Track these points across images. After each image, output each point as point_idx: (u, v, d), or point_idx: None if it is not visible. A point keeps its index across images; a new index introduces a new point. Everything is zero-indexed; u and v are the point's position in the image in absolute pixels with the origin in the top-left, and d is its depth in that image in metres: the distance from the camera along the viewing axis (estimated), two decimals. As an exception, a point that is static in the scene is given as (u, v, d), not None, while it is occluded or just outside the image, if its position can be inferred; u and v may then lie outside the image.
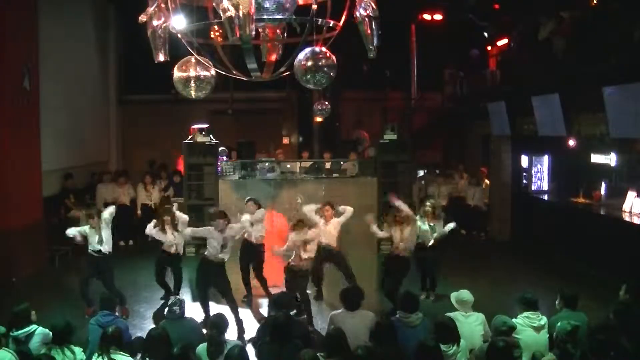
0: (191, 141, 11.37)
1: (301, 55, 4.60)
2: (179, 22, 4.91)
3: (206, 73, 5.11)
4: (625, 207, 9.77)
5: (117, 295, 7.55)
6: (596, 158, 11.00)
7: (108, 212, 7.83)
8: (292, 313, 6.26)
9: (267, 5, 4.55)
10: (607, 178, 10.89)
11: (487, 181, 13.29)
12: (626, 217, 9.55)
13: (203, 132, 11.39)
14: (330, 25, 4.95)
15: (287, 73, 5.02)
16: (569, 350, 4.52)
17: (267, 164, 11.74)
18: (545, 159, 12.39)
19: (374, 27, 4.78)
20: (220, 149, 11.89)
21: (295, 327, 5.10)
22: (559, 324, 4.83)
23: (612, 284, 6.33)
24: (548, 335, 5.12)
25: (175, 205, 8.53)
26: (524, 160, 12.50)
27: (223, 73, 5.29)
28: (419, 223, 8.08)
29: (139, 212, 12.16)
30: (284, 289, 7.39)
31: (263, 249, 8.53)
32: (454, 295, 5.52)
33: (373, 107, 16.06)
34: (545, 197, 12.25)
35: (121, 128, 15.70)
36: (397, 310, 5.51)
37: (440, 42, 14.80)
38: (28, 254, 9.51)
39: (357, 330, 5.11)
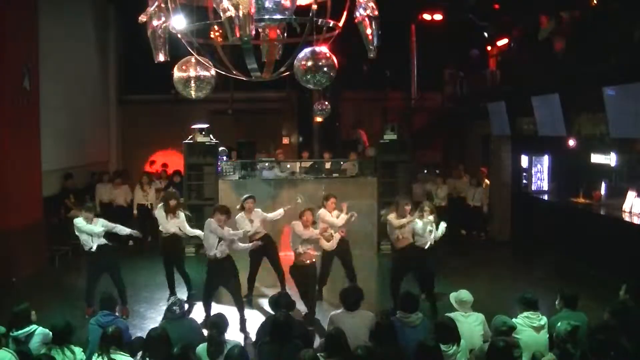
0: (191, 141, 11.38)
1: (301, 56, 4.60)
2: (179, 22, 4.91)
3: (206, 73, 5.11)
4: (625, 207, 9.76)
5: (122, 292, 7.57)
6: (596, 158, 11.00)
7: (104, 225, 7.77)
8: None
9: (267, 5, 4.55)
10: (607, 178, 10.89)
11: (487, 181, 13.28)
12: (626, 217, 9.55)
13: (203, 132, 11.39)
14: (330, 25, 4.95)
15: (287, 73, 5.02)
16: (569, 350, 4.53)
17: (267, 164, 11.75)
18: (545, 159, 12.39)
19: (374, 27, 4.79)
20: (220, 149, 11.89)
21: (295, 327, 5.10)
22: (559, 324, 4.83)
23: (612, 284, 6.34)
24: (548, 335, 5.12)
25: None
26: (524, 160, 12.50)
27: (223, 73, 5.29)
28: (417, 225, 8.02)
29: (135, 212, 12.16)
30: (283, 290, 7.41)
31: (272, 240, 8.50)
32: (453, 296, 5.51)
33: (373, 107, 16.06)
34: (545, 197, 12.25)
35: (121, 128, 15.69)
36: (397, 310, 5.51)
37: (440, 42, 14.79)
38: (28, 254, 9.51)
39: (357, 330, 5.11)
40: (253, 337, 5.58)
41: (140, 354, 4.75)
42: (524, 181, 12.51)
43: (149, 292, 8.83)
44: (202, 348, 4.81)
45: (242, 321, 7.13)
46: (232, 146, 13.54)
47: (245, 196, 8.53)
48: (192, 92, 5.16)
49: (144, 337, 5.00)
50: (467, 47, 14.50)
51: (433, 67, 15.54)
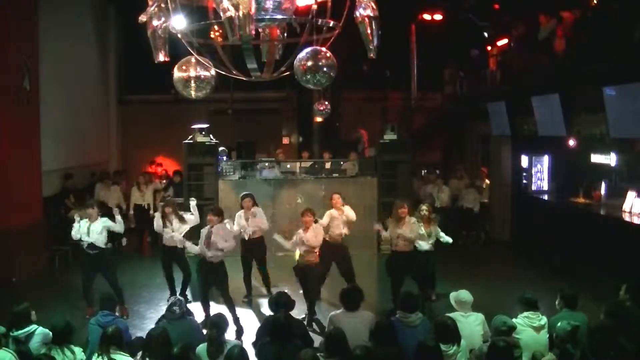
0: (191, 141, 11.38)
1: (301, 55, 4.60)
2: (179, 22, 4.91)
3: (206, 73, 5.11)
4: (625, 207, 9.76)
5: (118, 293, 7.57)
6: (596, 158, 10.99)
7: (107, 223, 7.79)
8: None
9: (267, 5, 4.54)
10: (607, 178, 10.88)
11: (487, 181, 13.27)
12: (626, 217, 9.55)
13: (203, 132, 11.39)
14: (331, 25, 4.95)
15: (287, 73, 5.02)
16: (569, 350, 4.53)
17: (267, 164, 11.75)
18: (545, 159, 12.39)
19: (374, 27, 4.78)
20: (220, 149, 11.89)
21: (295, 327, 5.10)
22: (559, 324, 4.83)
23: (612, 284, 6.33)
24: (548, 335, 5.12)
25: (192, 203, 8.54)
26: (524, 160, 12.50)
27: (223, 73, 5.29)
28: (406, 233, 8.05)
29: (131, 212, 12.15)
30: (285, 290, 7.41)
31: (263, 243, 8.55)
32: (453, 296, 5.51)
33: (373, 107, 16.06)
34: (545, 197, 12.24)
35: (121, 128, 15.70)
36: (397, 310, 5.51)
37: (440, 42, 14.80)
38: (28, 254, 9.50)
39: (357, 330, 5.10)
40: (253, 337, 5.58)
41: (140, 354, 4.75)
42: (524, 181, 12.50)
43: (149, 292, 8.84)
44: (202, 348, 4.81)
45: (236, 320, 7.14)
46: (232, 146, 13.54)
47: (242, 194, 8.63)
48: (192, 92, 5.15)
49: (144, 337, 5.00)
50: (467, 47, 14.51)
51: (433, 67, 15.54)
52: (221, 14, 4.15)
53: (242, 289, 8.56)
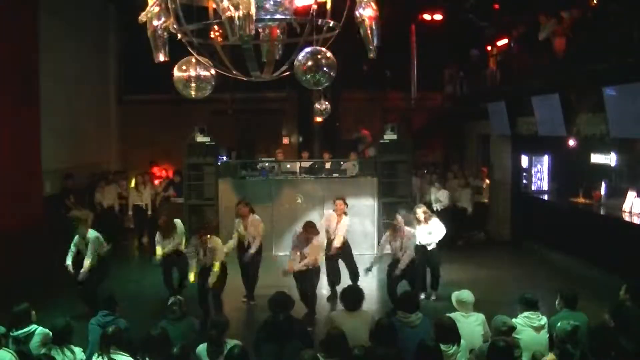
0: (191, 141, 11.38)
1: (301, 55, 4.60)
2: (179, 22, 4.90)
3: (206, 73, 5.10)
4: (625, 207, 9.77)
5: (93, 300, 7.42)
6: (596, 158, 11.00)
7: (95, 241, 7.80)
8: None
9: (267, 5, 4.54)
10: (607, 178, 10.88)
11: (487, 181, 13.27)
12: (626, 217, 9.55)
13: (203, 132, 11.39)
14: (331, 25, 4.95)
15: (287, 73, 5.01)
16: (569, 350, 4.52)
17: (267, 164, 11.76)
18: (545, 159, 12.40)
19: (374, 27, 4.78)
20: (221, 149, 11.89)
21: (295, 327, 5.10)
22: (559, 324, 4.83)
23: (612, 284, 6.34)
24: (548, 335, 5.12)
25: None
26: (524, 160, 12.50)
27: (223, 73, 5.28)
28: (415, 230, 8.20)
29: (129, 212, 12.13)
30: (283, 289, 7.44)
31: (259, 252, 8.57)
32: (454, 296, 5.51)
33: (373, 107, 16.05)
34: (545, 197, 12.25)
35: (121, 128, 15.70)
36: (397, 310, 5.51)
37: (440, 42, 14.80)
38: (28, 254, 9.50)
39: (357, 330, 5.10)
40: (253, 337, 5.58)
41: (140, 354, 4.75)
42: (524, 181, 12.51)
43: (148, 292, 8.83)
44: (202, 348, 4.81)
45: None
46: (232, 146, 13.53)
47: (237, 202, 8.67)
48: (192, 92, 5.14)
49: (144, 337, 5.00)
50: (467, 47, 14.51)
51: (433, 67, 15.54)
52: (221, 14, 4.15)
53: (241, 288, 8.57)
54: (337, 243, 8.25)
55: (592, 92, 8.72)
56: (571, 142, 11.08)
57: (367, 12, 4.72)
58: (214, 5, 4.51)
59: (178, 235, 8.27)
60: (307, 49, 4.53)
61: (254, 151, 14.57)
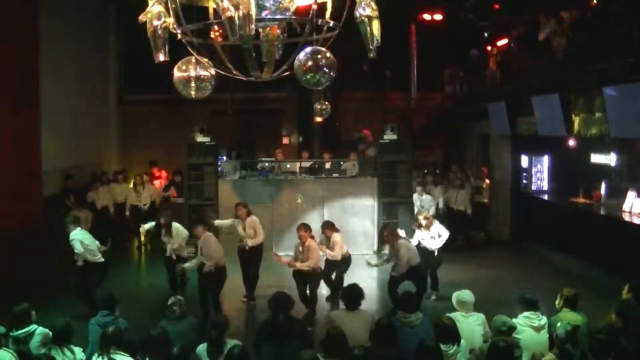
0: (191, 141, 11.38)
1: (301, 56, 4.59)
2: (179, 22, 4.90)
3: (206, 73, 5.10)
4: (625, 207, 9.77)
5: (91, 299, 7.48)
6: (596, 158, 11.00)
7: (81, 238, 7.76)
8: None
9: (267, 5, 4.53)
10: (607, 178, 10.89)
11: (487, 181, 13.27)
12: (626, 217, 9.55)
13: (203, 132, 11.39)
14: (331, 25, 4.94)
15: (287, 73, 5.01)
16: (569, 350, 4.52)
17: (267, 164, 11.75)
18: (545, 159, 12.40)
19: (374, 27, 4.78)
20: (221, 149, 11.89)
21: (295, 327, 5.10)
22: (559, 324, 4.83)
23: (612, 284, 6.34)
24: (548, 335, 5.12)
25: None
26: (524, 160, 12.50)
27: (223, 73, 5.28)
28: (419, 235, 8.29)
29: (127, 212, 12.13)
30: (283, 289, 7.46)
31: (260, 252, 8.58)
32: (454, 296, 5.52)
33: (373, 107, 16.05)
34: (545, 197, 12.25)
35: (121, 128, 15.70)
36: (397, 310, 5.51)
37: (440, 42, 14.80)
38: (28, 254, 9.50)
39: (357, 330, 5.10)
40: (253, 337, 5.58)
41: (140, 354, 4.75)
42: (524, 181, 12.50)
43: (149, 292, 8.83)
44: (202, 348, 4.81)
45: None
46: (232, 146, 13.53)
47: (236, 203, 8.70)
48: (192, 92, 5.14)
49: (144, 337, 5.00)
50: (467, 47, 14.51)
51: (433, 67, 15.54)
52: (221, 14, 4.15)
53: (241, 288, 8.57)
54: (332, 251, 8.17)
55: (592, 92, 8.72)
56: (571, 142, 11.08)
57: (367, 12, 4.72)
58: (214, 5, 4.51)
59: (177, 239, 8.27)
60: (307, 49, 4.53)
61: (254, 151, 14.55)
